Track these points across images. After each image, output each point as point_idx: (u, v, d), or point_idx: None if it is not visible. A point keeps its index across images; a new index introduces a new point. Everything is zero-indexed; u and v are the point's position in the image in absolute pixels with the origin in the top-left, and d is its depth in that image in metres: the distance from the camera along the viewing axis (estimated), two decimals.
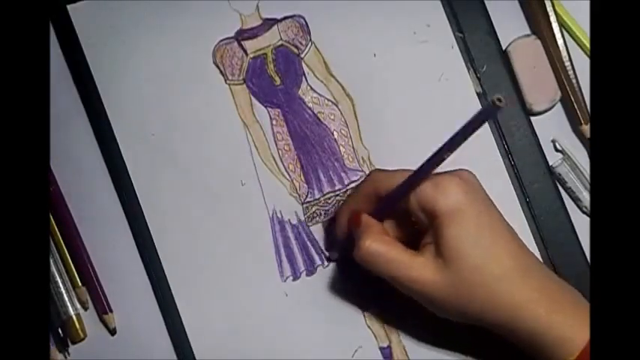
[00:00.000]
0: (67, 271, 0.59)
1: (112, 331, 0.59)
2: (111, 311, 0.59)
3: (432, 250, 0.51)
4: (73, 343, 0.59)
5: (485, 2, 0.61)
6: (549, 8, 0.60)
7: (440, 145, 0.49)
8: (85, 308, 0.59)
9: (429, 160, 0.50)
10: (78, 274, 0.59)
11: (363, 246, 0.52)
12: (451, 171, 0.52)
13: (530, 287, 0.51)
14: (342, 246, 0.57)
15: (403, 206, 0.53)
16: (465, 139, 0.49)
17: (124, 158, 0.59)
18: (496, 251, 0.51)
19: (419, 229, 0.53)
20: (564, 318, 0.50)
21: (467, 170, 0.53)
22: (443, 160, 0.50)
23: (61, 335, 0.58)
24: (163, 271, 0.59)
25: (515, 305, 0.50)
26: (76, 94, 0.61)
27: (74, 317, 0.59)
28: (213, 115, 0.60)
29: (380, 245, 0.52)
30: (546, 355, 0.50)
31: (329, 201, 0.60)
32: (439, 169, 0.51)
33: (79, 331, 0.59)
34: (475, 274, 0.50)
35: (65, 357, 0.59)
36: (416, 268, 0.51)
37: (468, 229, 0.50)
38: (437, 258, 0.51)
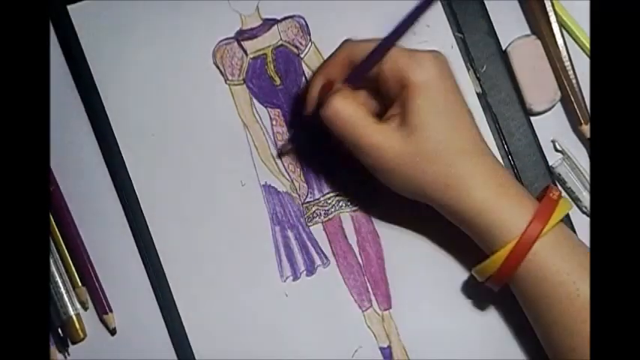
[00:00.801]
0: (67, 271, 0.59)
1: (112, 331, 0.59)
2: (111, 311, 0.59)
3: (397, 121, 0.53)
4: (73, 343, 0.59)
5: (485, 2, 0.61)
6: (549, 8, 0.60)
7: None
8: (85, 308, 0.59)
9: (400, 26, 0.52)
10: (78, 274, 0.59)
11: (331, 104, 0.53)
12: (426, 50, 0.54)
13: (484, 168, 0.53)
14: (309, 118, 0.57)
15: (375, 76, 0.54)
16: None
17: (124, 158, 0.59)
18: (459, 128, 0.53)
19: (386, 102, 0.54)
20: (510, 203, 0.52)
21: (440, 52, 0.54)
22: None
23: (61, 335, 0.58)
24: (163, 271, 0.59)
25: (467, 182, 0.52)
26: (76, 94, 0.61)
27: (74, 317, 0.59)
28: (213, 115, 0.60)
29: (347, 106, 0.53)
30: (487, 236, 0.52)
31: (329, 201, 0.60)
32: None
33: (79, 331, 0.59)
34: (436, 145, 0.52)
35: (65, 357, 0.59)
36: (379, 134, 0.53)
37: (436, 102, 0.52)
38: (401, 127, 0.52)
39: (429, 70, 0.52)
